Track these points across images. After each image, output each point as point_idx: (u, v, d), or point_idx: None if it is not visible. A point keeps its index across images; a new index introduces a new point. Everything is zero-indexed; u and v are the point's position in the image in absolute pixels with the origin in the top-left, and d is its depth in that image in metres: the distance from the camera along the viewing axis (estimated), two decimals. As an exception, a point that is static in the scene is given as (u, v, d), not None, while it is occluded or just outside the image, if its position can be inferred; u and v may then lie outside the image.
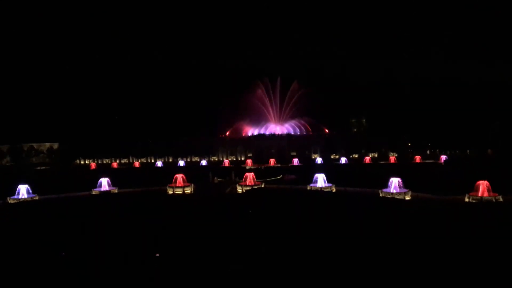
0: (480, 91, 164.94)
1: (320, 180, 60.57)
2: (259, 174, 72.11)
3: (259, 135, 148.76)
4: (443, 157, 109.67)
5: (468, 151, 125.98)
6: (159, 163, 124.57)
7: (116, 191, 63.42)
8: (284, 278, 23.66)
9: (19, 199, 56.80)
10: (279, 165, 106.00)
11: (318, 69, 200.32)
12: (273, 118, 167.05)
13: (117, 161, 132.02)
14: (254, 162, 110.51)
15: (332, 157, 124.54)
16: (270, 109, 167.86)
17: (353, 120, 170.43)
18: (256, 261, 26.57)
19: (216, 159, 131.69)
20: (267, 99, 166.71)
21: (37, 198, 58.03)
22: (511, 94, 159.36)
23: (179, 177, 63.41)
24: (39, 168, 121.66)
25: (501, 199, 47.58)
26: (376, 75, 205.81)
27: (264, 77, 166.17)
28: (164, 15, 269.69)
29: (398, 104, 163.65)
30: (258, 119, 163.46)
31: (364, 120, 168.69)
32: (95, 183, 64.44)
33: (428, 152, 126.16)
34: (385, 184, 54.68)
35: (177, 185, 62.41)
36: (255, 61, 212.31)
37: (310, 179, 61.84)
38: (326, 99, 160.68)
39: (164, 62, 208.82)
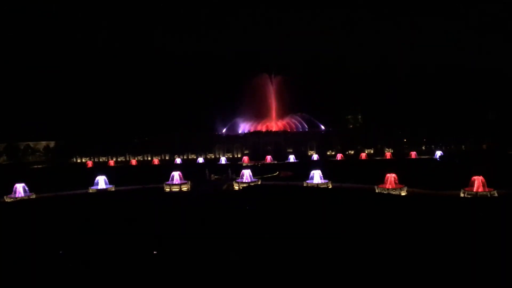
0: (476, 81, 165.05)
1: (317, 176, 60.85)
2: (255, 171, 72.38)
3: (255, 132, 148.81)
4: (438, 153, 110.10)
5: (463, 146, 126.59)
6: (155, 161, 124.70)
7: (113, 189, 63.53)
8: (280, 272, 23.88)
9: (16, 197, 56.87)
10: (275, 162, 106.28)
11: (313, 60, 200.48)
12: (269, 115, 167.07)
13: (114, 159, 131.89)
14: (250, 159, 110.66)
15: (328, 153, 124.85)
16: (266, 105, 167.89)
17: (349, 117, 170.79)
18: (253, 256, 26.78)
19: (213, 156, 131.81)
20: (263, 95, 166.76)
21: (34, 196, 58.09)
22: (508, 85, 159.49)
23: (176, 174, 63.55)
24: (35, 166, 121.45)
25: (496, 194, 47.97)
26: (371, 66, 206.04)
27: (260, 73, 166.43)
28: (160, 10, 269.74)
29: (393, 99, 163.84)
30: (254, 116, 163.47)
31: (360, 116, 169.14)
32: (92, 181, 64.50)
33: (423, 147, 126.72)
34: (381, 180, 54.98)
35: (174, 182, 62.54)
36: (251, 53, 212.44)
37: (307, 176, 62.14)
38: (322, 93, 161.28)
39: (158, 58, 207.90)
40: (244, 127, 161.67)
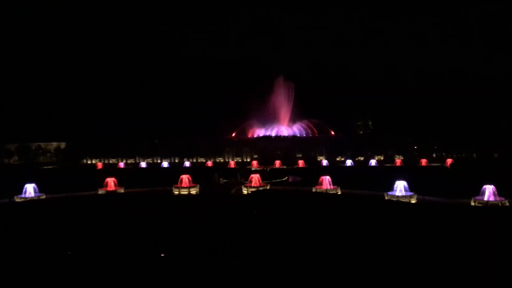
0: (486, 87, 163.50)
1: (326, 182, 60.57)
2: (264, 176, 72.22)
3: (265, 136, 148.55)
4: (449, 161, 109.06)
5: (474, 154, 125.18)
6: (165, 164, 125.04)
7: (122, 191, 63.77)
8: (285, 278, 23.75)
9: (26, 198, 57.33)
10: (284, 167, 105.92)
11: (322, 66, 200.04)
12: (278, 120, 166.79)
13: (124, 161, 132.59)
14: (259, 164, 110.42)
15: (337, 159, 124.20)
16: (275, 110, 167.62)
17: (359, 123, 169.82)
18: (258, 261, 26.68)
19: (222, 160, 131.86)
20: (273, 100, 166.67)
21: (44, 197, 58.52)
22: None
23: (185, 177, 63.63)
24: (46, 167, 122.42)
25: (507, 203, 47.33)
26: (380, 73, 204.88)
27: (270, 78, 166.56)
28: (168, 13, 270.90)
29: (404, 105, 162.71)
30: (264, 120, 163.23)
31: (370, 122, 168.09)
32: (101, 183, 64.83)
33: (434, 155, 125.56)
34: (391, 187, 54.56)
35: (183, 185, 62.64)
36: (260, 58, 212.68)
37: (316, 181, 61.88)
38: (331, 99, 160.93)
39: (168, 61, 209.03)
40: (253, 132, 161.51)
